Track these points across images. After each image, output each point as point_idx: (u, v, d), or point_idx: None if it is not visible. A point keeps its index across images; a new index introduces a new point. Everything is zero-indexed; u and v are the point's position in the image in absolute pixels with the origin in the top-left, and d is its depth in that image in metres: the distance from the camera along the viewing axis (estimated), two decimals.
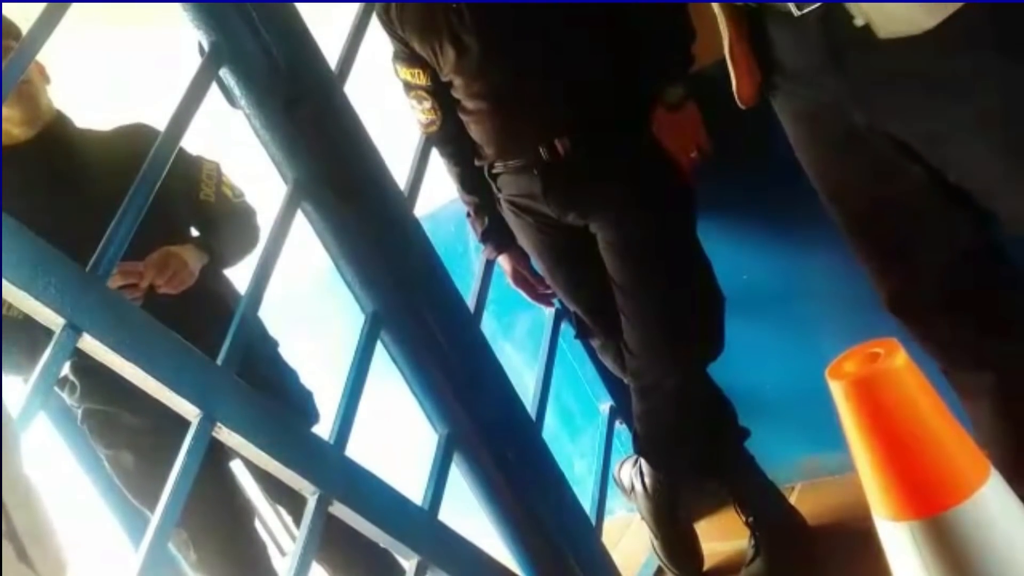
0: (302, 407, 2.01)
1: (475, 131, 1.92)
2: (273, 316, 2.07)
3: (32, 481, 0.66)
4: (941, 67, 1.21)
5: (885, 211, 1.40)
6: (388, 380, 1.81)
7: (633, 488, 2.13)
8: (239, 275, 2.03)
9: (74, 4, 1.42)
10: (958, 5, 1.17)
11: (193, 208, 1.99)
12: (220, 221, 2.00)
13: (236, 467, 2.03)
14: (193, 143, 1.97)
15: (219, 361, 1.45)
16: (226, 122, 1.68)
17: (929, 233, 1.38)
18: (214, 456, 1.69)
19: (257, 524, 2.12)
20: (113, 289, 1.36)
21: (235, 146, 1.95)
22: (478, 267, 2.17)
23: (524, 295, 2.18)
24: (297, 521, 1.84)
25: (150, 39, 2.42)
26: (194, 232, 2.01)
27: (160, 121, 1.55)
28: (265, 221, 2.06)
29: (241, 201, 2.08)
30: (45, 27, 1.39)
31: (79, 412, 1.91)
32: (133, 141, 1.83)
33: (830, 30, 1.27)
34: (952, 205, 1.35)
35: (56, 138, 1.87)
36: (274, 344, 2.06)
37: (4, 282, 1.21)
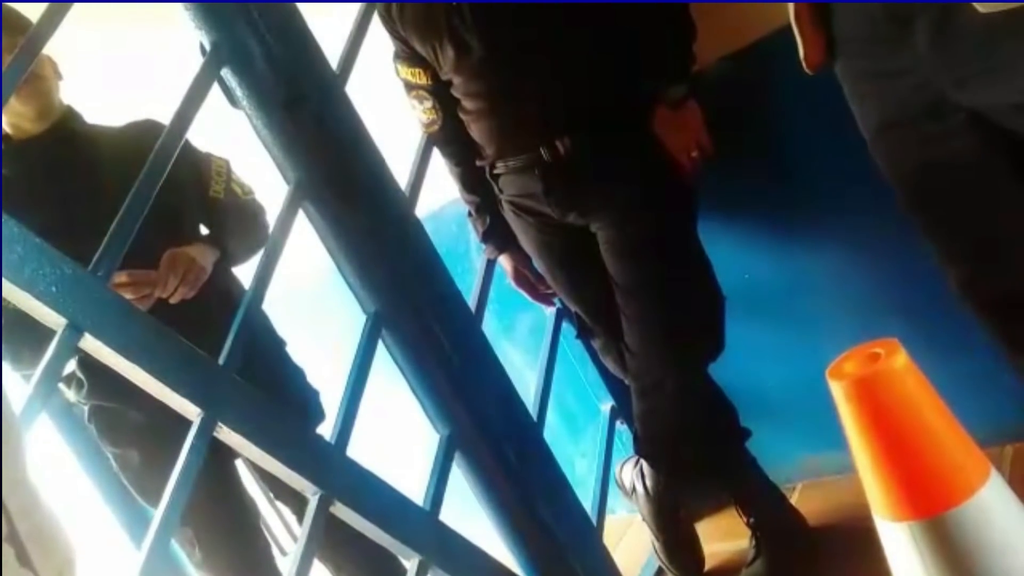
0: (307, 406, 2.01)
1: (475, 131, 1.92)
2: (274, 316, 2.07)
3: (36, 483, 0.66)
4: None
5: (953, 191, 1.36)
6: (389, 380, 1.81)
7: (634, 489, 2.13)
8: (243, 275, 2.03)
9: (75, 4, 1.42)
10: None
11: (202, 205, 1.99)
12: (229, 217, 1.99)
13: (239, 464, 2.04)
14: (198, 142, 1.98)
15: (221, 361, 1.46)
16: (226, 122, 1.68)
17: (1001, 217, 1.35)
18: (219, 455, 1.69)
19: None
20: (115, 289, 1.36)
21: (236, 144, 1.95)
22: (479, 267, 2.17)
23: (525, 295, 2.18)
24: (300, 519, 1.84)
25: (149, 39, 2.43)
26: (203, 230, 2.01)
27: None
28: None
29: (250, 199, 2.08)
30: (47, 27, 1.39)
31: (86, 409, 1.92)
32: (144, 137, 1.83)
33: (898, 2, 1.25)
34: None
35: (67, 133, 1.87)
36: (281, 343, 2.06)
37: (6, 282, 1.21)
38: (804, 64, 1.44)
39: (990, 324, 1.44)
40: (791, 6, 1.41)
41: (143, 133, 1.89)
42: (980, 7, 1.17)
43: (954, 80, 1.26)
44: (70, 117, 1.90)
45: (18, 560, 0.60)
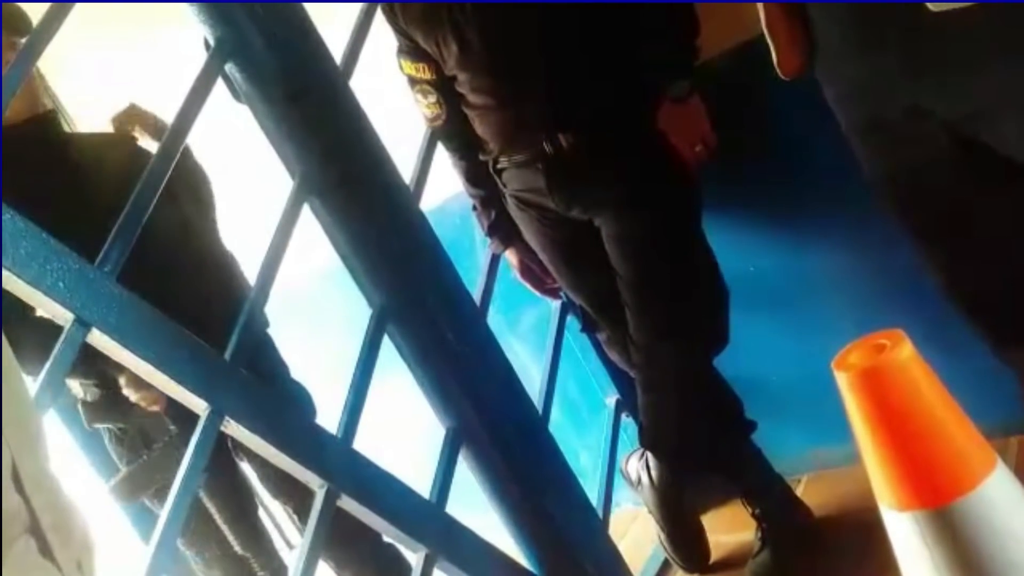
0: (302, 401, 2.02)
1: (479, 125, 1.92)
2: (277, 310, 2.07)
3: (56, 476, 0.66)
4: (989, 35, 1.18)
5: (928, 195, 1.38)
6: (395, 374, 1.81)
7: (640, 480, 2.13)
8: (247, 273, 2.03)
9: (76, 4, 1.42)
10: None
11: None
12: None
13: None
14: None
15: (227, 356, 1.46)
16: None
17: (975, 219, 1.36)
18: (224, 454, 1.70)
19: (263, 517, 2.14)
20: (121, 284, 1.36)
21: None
22: (484, 261, 2.17)
23: (531, 288, 2.18)
24: (300, 518, 1.84)
25: (149, 39, 2.42)
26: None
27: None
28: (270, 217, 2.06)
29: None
30: (48, 27, 1.39)
31: (104, 431, 1.93)
32: (117, 145, 1.85)
33: (867, 8, 1.25)
34: (1005, 193, 1.33)
35: (50, 124, 1.86)
36: (270, 340, 2.07)
37: (13, 277, 1.21)
38: (778, 70, 1.45)
39: (972, 322, 1.45)
40: (762, 13, 1.41)
41: (125, 149, 1.89)
42: (931, 6, 1.19)
43: (924, 86, 1.27)
44: (54, 114, 1.89)
45: (40, 552, 0.60)
